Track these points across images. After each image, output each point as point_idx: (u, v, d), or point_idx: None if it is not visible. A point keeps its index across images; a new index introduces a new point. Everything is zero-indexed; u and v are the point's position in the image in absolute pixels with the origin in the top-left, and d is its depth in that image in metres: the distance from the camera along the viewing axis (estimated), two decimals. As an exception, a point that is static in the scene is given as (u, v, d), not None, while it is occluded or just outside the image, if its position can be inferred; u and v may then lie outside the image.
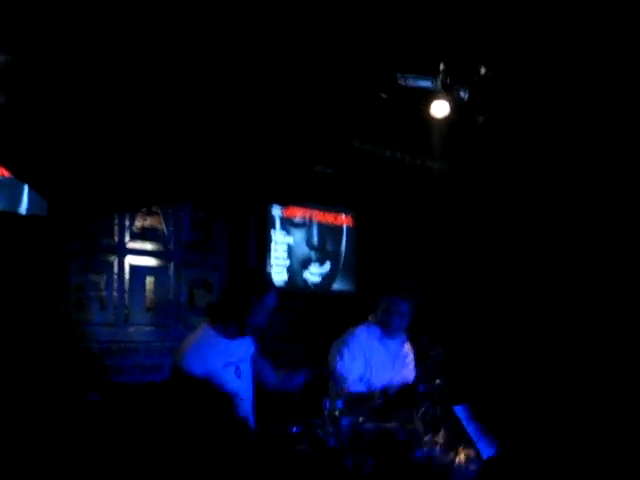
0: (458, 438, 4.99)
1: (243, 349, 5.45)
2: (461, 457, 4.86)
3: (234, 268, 7.19)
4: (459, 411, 5.06)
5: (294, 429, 4.94)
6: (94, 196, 4.03)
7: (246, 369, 5.44)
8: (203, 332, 5.34)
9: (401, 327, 5.81)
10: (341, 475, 4.42)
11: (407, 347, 6.00)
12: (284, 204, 6.98)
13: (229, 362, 5.29)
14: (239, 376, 5.35)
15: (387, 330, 5.80)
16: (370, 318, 5.89)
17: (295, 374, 5.56)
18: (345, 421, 4.85)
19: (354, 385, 5.52)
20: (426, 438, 5.01)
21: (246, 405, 5.39)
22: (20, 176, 4.27)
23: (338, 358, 5.69)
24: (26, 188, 5.87)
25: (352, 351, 5.71)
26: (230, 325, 5.33)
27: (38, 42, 3.93)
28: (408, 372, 5.93)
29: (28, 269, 4.29)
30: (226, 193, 4.68)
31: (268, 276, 6.37)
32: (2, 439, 4.09)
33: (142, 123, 3.81)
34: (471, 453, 4.85)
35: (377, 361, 5.75)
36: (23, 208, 6.01)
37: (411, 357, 6.02)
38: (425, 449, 4.89)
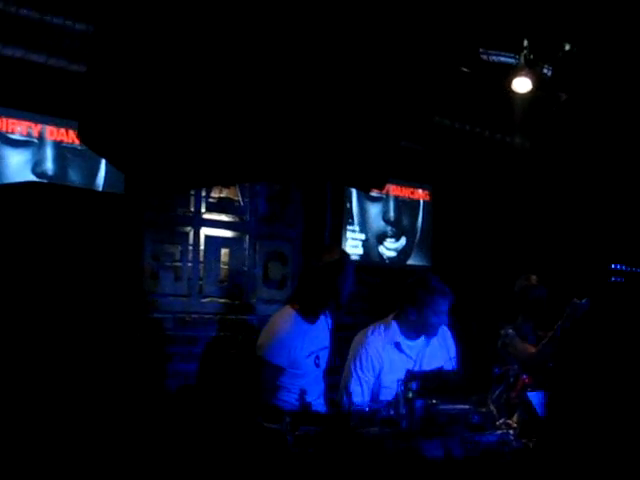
0: (532, 423, 4.92)
1: (324, 335, 5.48)
2: (535, 442, 4.80)
3: (311, 244, 7.16)
4: (533, 397, 4.98)
5: (367, 409, 4.91)
6: (171, 172, 4.00)
7: (324, 357, 5.46)
8: (290, 319, 5.34)
9: (438, 326, 5.63)
10: (414, 457, 4.38)
11: (438, 342, 5.73)
12: (366, 190, 6.90)
13: (312, 352, 5.32)
14: (318, 365, 5.37)
15: (421, 331, 5.62)
16: (390, 319, 5.67)
17: None
18: (419, 402, 4.80)
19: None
20: (499, 422, 4.96)
21: (320, 392, 5.41)
22: (98, 150, 4.26)
23: (353, 373, 5.51)
24: (103, 161, 5.90)
25: (366, 363, 5.51)
26: (320, 309, 5.36)
27: (120, 12, 3.90)
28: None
29: (104, 242, 4.29)
30: (306, 175, 4.64)
31: (342, 249, 6.42)
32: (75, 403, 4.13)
33: (221, 99, 3.77)
34: (545, 439, 4.79)
35: (389, 369, 5.48)
36: (100, 181, 6.04)
37: (447, 350, 5.80)
38: (498, 433, 4.83)
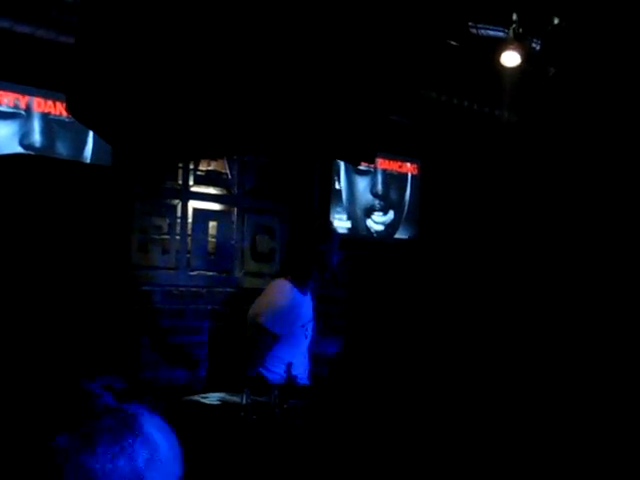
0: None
1: (311, 307, 5.58)
2: None
3: (299, 217, 7.17)
4: None
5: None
6: (159, 145, 3.99)
7: (310, 329, 5.55)
8: (288, 290, 5.46)
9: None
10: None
11: None
12: (356, 163, 6.91)
13: (304, 323, 5.44)
14: (306, 337, 5.47)
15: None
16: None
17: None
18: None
19: None
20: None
21: (306, 365, 5.48)
22: (86, 122, 4.24)
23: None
24: (91, 134, 5.88)
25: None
26: (308, 279, 5.46)
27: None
28: None
29: (92, 215, 4.29)
30: (295, 148, 4.65)
31: (324, 218, 6.58)
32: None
33: (209, 72, 3.76)
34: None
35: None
36: (88, 153, 6.02)
37: None
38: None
